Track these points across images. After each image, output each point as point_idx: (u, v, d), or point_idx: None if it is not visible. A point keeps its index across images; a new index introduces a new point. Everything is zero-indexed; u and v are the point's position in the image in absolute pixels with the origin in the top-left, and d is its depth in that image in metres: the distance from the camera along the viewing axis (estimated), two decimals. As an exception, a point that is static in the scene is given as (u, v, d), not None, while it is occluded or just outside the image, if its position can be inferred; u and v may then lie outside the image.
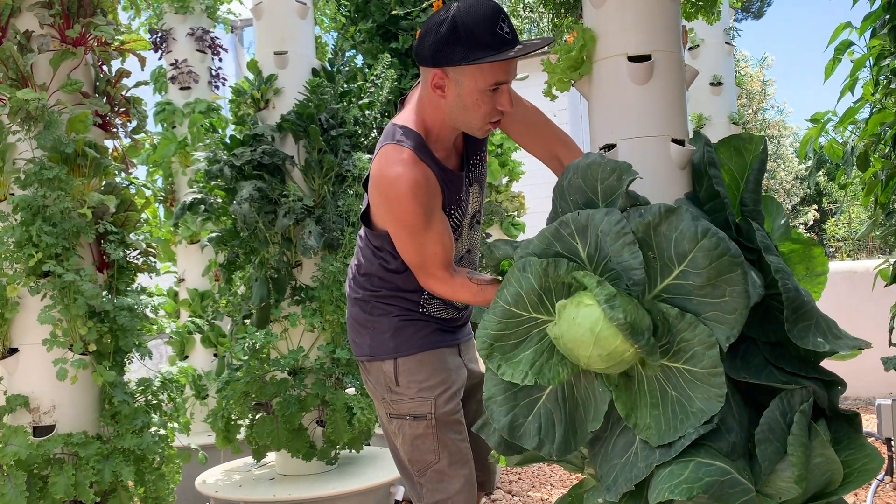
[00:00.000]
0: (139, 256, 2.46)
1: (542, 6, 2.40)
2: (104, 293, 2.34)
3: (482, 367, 2.01)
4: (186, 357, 4.48)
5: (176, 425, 2.50)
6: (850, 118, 2.65)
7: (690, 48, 4.43)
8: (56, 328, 2.20)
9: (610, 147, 2.04)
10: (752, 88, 14.41)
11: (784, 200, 14.50)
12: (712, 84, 4.31)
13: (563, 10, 2.41)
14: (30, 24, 2.30)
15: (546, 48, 1.91)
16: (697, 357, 1.42)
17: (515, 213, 5.46)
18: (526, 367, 1.51)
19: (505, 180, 5.41)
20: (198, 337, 4.37)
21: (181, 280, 4.52)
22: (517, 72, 1.86)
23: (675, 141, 2.00)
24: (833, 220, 12.34)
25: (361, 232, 2.02)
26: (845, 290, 5.68)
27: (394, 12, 4.14)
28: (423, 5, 4.19)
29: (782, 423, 1.83)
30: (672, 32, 2.06)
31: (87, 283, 2.19)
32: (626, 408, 1.48)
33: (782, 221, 2.27)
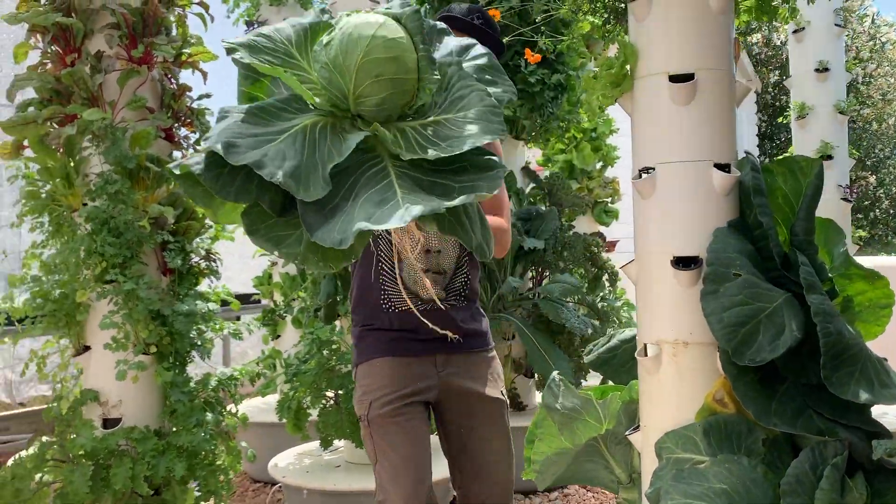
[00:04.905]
0: (202, 261, 2.61)
1: (590, 14, 2.29)
2: (168, 297, 2.50)
3: (482, 388, 1.99)
4: (279, 336, 4.73)
5: (235, 419, 2.65)
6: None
7: (795, 31, 4.09)
8: (119, 331, 2.38)
9: (649, 170, 1.96)
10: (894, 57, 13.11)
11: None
12: (818, 70, 3.96)
13: (612, 18, 2.31)
14: (100, 45, 2.45)
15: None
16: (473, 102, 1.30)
17: (609, 200, 5.30)
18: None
19: (598, 165, 5.26)
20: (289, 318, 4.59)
21: (274, 263, 4.76)
22: None
23: (718, 166, 1.90)
24: None
25: None
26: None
27: None
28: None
29: (812, 476, 1.74)
30: (720, 48, 1.94)
31: (146, 290, 2.35)
32: (397, 146, 1.25)
33: (842, 250, 2.11)
